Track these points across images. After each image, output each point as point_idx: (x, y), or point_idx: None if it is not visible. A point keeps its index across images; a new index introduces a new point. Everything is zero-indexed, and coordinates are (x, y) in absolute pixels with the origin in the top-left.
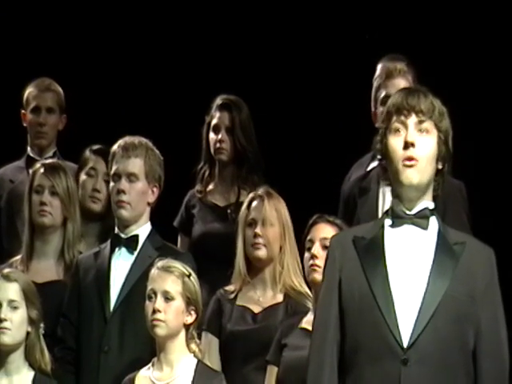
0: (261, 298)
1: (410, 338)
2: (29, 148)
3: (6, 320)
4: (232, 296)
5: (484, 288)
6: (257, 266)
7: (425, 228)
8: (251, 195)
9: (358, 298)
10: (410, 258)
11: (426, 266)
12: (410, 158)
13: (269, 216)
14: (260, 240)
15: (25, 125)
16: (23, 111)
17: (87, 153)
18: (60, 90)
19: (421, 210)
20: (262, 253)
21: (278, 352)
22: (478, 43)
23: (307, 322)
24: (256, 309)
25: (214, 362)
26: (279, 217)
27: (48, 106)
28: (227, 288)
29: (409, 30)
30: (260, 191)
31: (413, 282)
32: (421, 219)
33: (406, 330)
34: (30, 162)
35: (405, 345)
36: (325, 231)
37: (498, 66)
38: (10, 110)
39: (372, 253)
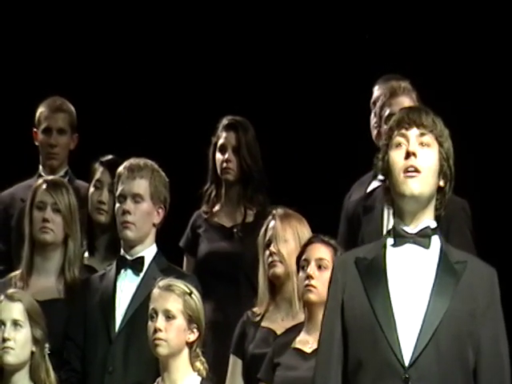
0: (284, 318)
1: (412, 357)
2: (40, 167)
3: (9, 339)
4: (257, 318)
5: (485, 307)
6: (277, 284)
7: (426, 247)
8: (269, 218)
9: (359, 317)
10: (412, 277)
11: (427, 285)
12: (412, 168)
13: (281, 233)
14: (275, 257)
15: (36, 143)
16: (35, 130)
17: (96, 165)
18: (72, 109)
19: (422, 229)
20: (278, 270)
21: (271, 370)
22: (476, 58)
23: (300, 342)
24: (279, 330)
25: None
26: (294, 233)
27: (59, 127)
28: (254, 310)
29: (411, 45)
30: (275, 211)
31: (414, 300)
32: (422, 238)
33: (407, 349)
34: None
35: (406, 363)
36: (320, 251)
37: (497, 82)
38: (23, 127)
39: (374, 272)
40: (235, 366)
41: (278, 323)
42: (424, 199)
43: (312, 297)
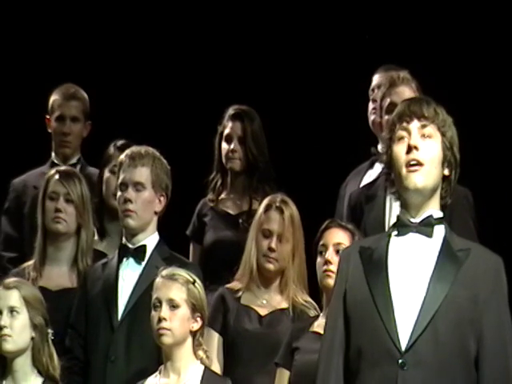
0: (265, 301)
1: (408, 342)
2: (53, 154)
3: (6, 327)
4: (238, 294)
5: (488, 294)
6: (264, 274)
7: (429, 236)
8: (268, 200)
9: (359, 305)
10: (412, 265)
11: (427, 272)
12: (414, 161)
13: (286, 232)
14: (273, 255)
15: (49, 130)
16: (48, 117)
17: (111, 149)
18: (85, 96)
19: (425, 218)
20: (272, 267)
21: (289, 355)
22: (477, 49)
23: (319, 326)
24: (262, 311)
25: (214, 358)
26: (294, 232)
27: (73, 115)
28: (231, 286)
29: (410, 38)
30: (278, 200)
31: (413, 287)
32: (425, 227)
33: (404, 334)
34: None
35: (403, 348)
36: (338, 236)
37: (498, 72)
38: (35, 113)
39: (375, 261)
40: (212, 339)
41: (259, 304)
42: (428, 191)
43: (331, 282)
